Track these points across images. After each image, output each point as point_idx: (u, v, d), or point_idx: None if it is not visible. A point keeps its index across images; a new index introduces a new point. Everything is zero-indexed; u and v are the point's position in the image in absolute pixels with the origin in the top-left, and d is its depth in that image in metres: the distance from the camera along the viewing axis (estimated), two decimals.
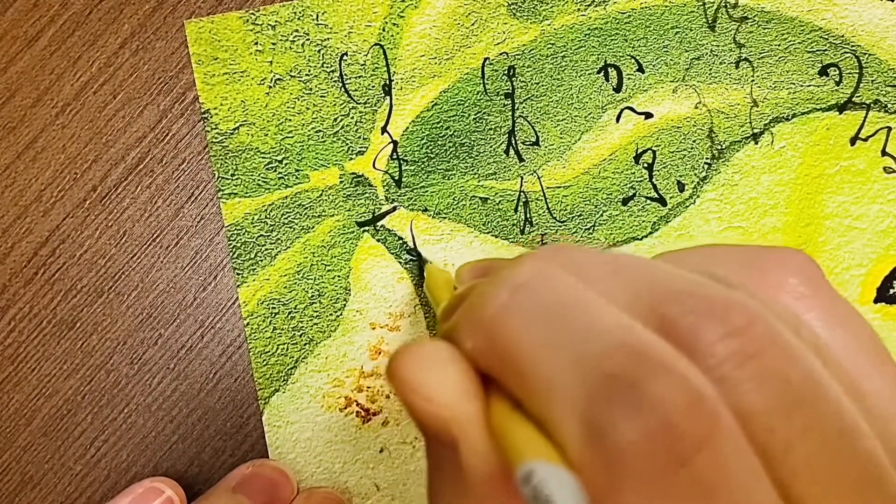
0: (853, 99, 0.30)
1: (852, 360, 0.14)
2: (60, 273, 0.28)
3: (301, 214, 0.29)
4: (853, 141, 0.30)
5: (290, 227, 0.29)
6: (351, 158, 0.29)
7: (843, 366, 0.13)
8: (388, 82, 0.29)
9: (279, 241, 0.29)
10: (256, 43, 0.29)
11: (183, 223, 0.29)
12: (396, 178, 0.29)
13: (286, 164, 0.29)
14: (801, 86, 0.30)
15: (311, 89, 0.29)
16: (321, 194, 0.29)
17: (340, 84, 0.29)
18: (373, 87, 0.29)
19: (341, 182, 0.29)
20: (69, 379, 0.28)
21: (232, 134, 0.29)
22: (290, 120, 0.29)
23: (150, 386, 0.28)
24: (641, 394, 0.11)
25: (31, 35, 0.29)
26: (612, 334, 0.12)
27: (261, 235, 0.29)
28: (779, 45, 0.30)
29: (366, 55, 0.29)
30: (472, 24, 0.29)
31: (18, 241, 0.28)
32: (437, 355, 0.14)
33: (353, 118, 0.29)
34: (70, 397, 0.28)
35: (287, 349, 0.28)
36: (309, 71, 0.29)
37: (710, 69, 0.30)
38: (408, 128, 0.29)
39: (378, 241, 0.29)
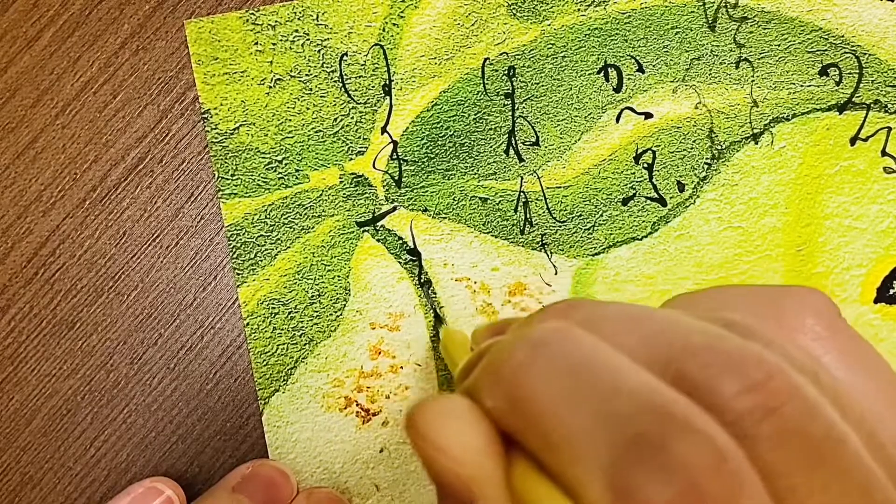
0: (853, 99, 0.30)
1: (871, 402, 0.14)
2: (60, 273, 0.28)
3: (301, 214, 0.29)
4: (853, 141, 0.30)
5: (290, 228, 0.29)
6: (351, 158, 0.29)
7: (863, 412, 0.13)
8: (388, 82, 0.29)
9: (279, 241, 0.29)
10: (256, 43, 0.29)
11: (183, 223, 0.29)
12: (396, 178, 0.29)
13: (286, 164, 0.29)
14: (801, 86, 0.30)
15: (311, 89, 0.29)
16: (321, 194, 0.29)
17: (340, 84, 0.29)
18: (373, 87, 0.29)
19: (341, 182, 0.29)
20: (69, 379, 0.28)
21: (232, 134, 0.29)
22: (290, 120, 0.29)
23: (149, 386, 0.28)
24: (668, 455, 0.11)
25: (31, 35, 0.29)
26: (636, 394, 0.12)
27: (261, 235, 0.29)
28: (779, 46, 0.30)
29: (366, 55, 0.29)
30: (472, 25, 0.29)
31: (18, 241, 0.28)
32: (457, 411, 0.14)
33: (353, 118, 0.29)
34: (70, 397, 0.28)
35: (287, 349, 0.28)
36: (309, 71, 0.29)
37: (710, 69, 0.30)
38: (408, 128, 0.29)
39: (378, 241, 0.29)
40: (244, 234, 0.29)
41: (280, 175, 0.29)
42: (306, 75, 0.29)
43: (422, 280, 0.29)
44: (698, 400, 0.12)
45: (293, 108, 0.29)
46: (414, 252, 0.29)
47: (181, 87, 0.29)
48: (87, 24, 0.29)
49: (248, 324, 0.28)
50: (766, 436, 0.12)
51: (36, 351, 0.28)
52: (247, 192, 0.29)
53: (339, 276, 0.29)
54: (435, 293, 0.29)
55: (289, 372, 0.28)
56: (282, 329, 0.28)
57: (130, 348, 0.28)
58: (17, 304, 0.28)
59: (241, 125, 0.29)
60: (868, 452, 0.12)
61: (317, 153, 0.29)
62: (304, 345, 0.28)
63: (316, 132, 0.29)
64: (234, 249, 0.29)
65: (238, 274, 0.29)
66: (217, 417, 0.28)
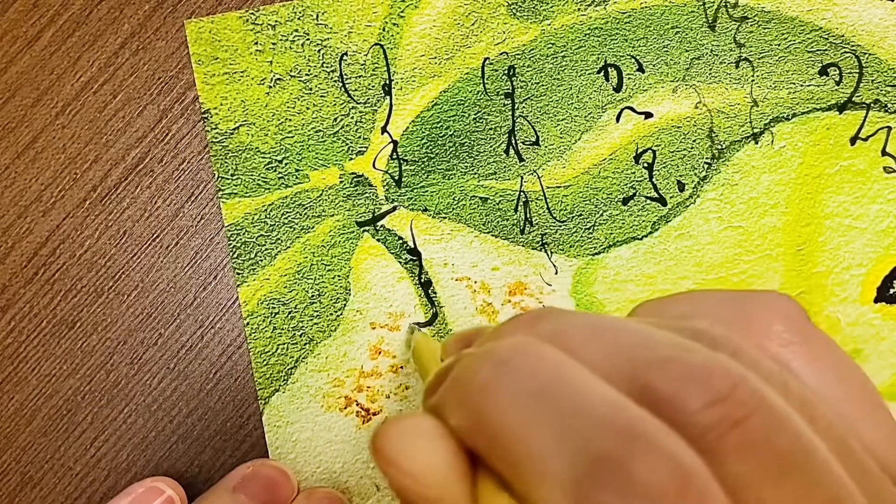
0: (853, 99, 0.30)
1: (842, 407, 0.14)
2: (60, 273, 0.28)
3: (301, 214, 0.29)
4: (853, 140, 0.30)
5: (290, 227, 0.29)
6: (351, 158, 0.29)
7: (832, 419, 0.13)
8: (388, 82, 0.29)
9: (279, 241, 0.29)
10: (256, 43, 0.29)
11: (183, 223, 0.29)
12: (396, 177, 0.29)
13: (286, 164, 0.29)
14: (801, 85, 0.30)
15: (311, 89, 0.29)
16: (321, 194, 0.29)
17: (340, 84, 0.29)
18: (373, 86, 0.29)
19: (341, 182, 0.29)
20: (69, 379, 0.28)
21: (232, 134, 0.29)
22: (290, 120, 0.29)
23: (150, 386, 0.28)
24: (629, 476, 0.11)
25: (31, 35, 0.29)
26: (597, 411, 0.12)
27: (261, 235, 0.29)
28: (779, 45, 0.30)
29: (366, 55, 0.29)
30: (473, 24, 0.29)
31: (18, 241, 0.28)
32: (421, 430, 0.14)
33: (353, 118, 0.29)
34: (70, 397, 0.28)
35: (287, 349, 0.28)
36: (309, 71, 0.29)
37: (711, 69, 0.30)
38: (408, 128, 0.29)
39: (378, 240, 0.29)
40: (244, 233, 0.29)
41: (280, 175, 0.29)
42: (306, 75, 0.29)
43: (422, 280, 0.29)
44: (664, 415, 0.12)
45: (293, 107, 0.29)
46: (414, 252, 0.29)
47: (181, 87, 0.29)
48: (87, 24, 0.29)
49: (248, 324, 0.28)
50: (732, 448, 0.12)
51: (36, 351, 0.28)
52: (247, 192, 0.29)
53: (339, 276, 0.29)
54: (435, 293, 0.29)
55: (289, 372, 0.28)
56: (282, 329, 0.28)
57: (130, 348, 0.28)
58: (17, 304, 0.28)
59: (241, 125, 0.29)
60: (838, 460, 0.12)
61: (317, 153, 0.29)
62: (305, 344, 0.28)
63: (316, 132, 0.29)
64: (234, 249, 0.29)
65: (238, 274, 0.29)
66: (217, 417, 0.28)
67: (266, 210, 0.29)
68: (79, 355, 0.28)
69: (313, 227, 0.29)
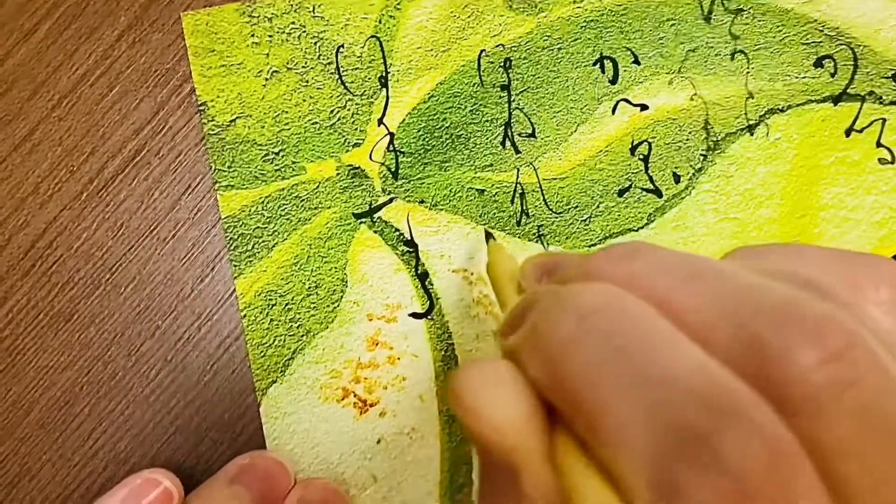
0: (848, 90, 0.30)
1: None
2: (57, 265, 0.28)
3: (298, 206, 0.29)
4: (848, 132, 0.30)
5: (287, 219, 0.29)
6: (347, 150, 0.29)
7: None
8: (384, 74, 0.29)
9: (276, 233, 0.29)
10: (253, 35, 0.29)
11: (180, 215, 0.29)
12: (393, 169, 0.29)
13: (283, 156, 0.29)
14: (797, 77, 0.30)
15: (307, 81, 0.29)
16: (318, 186, 0.29)
17: (337, 76, 0.29)
18: (369, 79, 0.29)
19: (338, 174, 0.29)
20: (67, 370, 0.28)
21: (229, 126, 0.29)
22: (286, 112, 0.29)
23: (147, 378, 0.28)
24: (714, 450, 0.10)
25: (27, 28, 0.29)
26: (684, 380, 0.11)
27: (258, 227, 0.29)
28: (774, 37, 0.30)
29: (362, 47, 0.29)
30: (469, 17, 0.30)
31: (15, 233, 0.28)
32: (500, 378, 0.13)
33: (349, 110, 0.29)
34: (68, 389, 0.28)
35: (284, 341, 0.28)
36: (305, 63, 0.29)
37: (706, 61, 0.30)
38: (404, 119, 0.29)
39: (375, 232, 0.29)
40: (241, 225, 0.29)
41: (277, 167, 0.29)
42: (303, 67, 0.29)
43: (419, 271, 0.29)
44: (771, 370, 0.11)
45: (290, 100, 0.29)
46: (411, 243, 0.29)
47: (178, 79, 0.29)
48: (84, 16, 0.29)
49: (245, 315, 0.28)
50: (841, 412, 0.11)
51: (33, 343, 0.28)
52: (243, 184, 0.29)
53: (336, 268, 0.29)
54: (432, 285, 0.29)
55: (286, 363, 0.28)
56: (279, 320, 0.29)
57: (128, 340, 0.28)
58: (14, 297, 0.28)
59: (237, 117, 0.29)
60: None
61: (313, 145, 0.29)
62: (302, 336, 0.29)
63: (312, 124, 0.29)
64: (231, 241, 0.29)
65: (235, 266, 0.29)
66: (215, 409, 0.28)
67: (263, 202, 0.29)
68: (76, 347, 0.28)
69: (310, 218, 0.29)
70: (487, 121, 0.29)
